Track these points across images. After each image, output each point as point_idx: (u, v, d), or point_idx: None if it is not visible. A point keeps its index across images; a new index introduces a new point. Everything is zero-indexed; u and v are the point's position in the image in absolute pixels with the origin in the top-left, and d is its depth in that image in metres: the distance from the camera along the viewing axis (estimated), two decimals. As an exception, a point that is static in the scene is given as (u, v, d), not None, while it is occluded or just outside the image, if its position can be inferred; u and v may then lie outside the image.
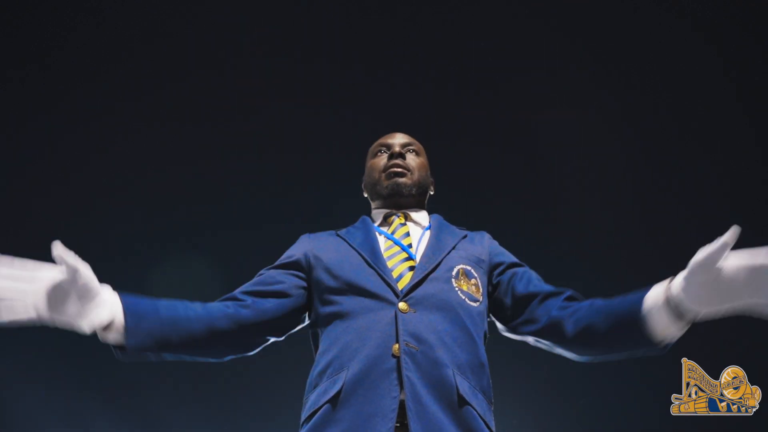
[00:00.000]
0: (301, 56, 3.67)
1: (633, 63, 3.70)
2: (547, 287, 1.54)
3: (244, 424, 3.51)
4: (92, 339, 3.54)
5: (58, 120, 3.53)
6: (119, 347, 1.28)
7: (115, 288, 1.30)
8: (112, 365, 3.39)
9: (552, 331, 1.46)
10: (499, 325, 1.63)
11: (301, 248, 1.63)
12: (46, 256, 1.15)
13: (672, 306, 1.22)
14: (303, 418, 1.41)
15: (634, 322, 1.26)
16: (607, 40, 3.69)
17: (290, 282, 1.56)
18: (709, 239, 1.20)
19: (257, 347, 1.54)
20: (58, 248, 1.12)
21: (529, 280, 1.56)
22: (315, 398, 1.39)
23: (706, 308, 1.18)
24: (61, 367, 3.41)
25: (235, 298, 1.50)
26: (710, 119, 3.55)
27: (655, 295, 1.26)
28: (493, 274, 1.61)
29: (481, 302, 1.54)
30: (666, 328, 1.24)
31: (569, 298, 1.49)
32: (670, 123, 3.65)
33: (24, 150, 3.52)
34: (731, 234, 1.14)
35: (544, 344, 1.52)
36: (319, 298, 1.53)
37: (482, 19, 3.74)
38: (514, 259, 1.65)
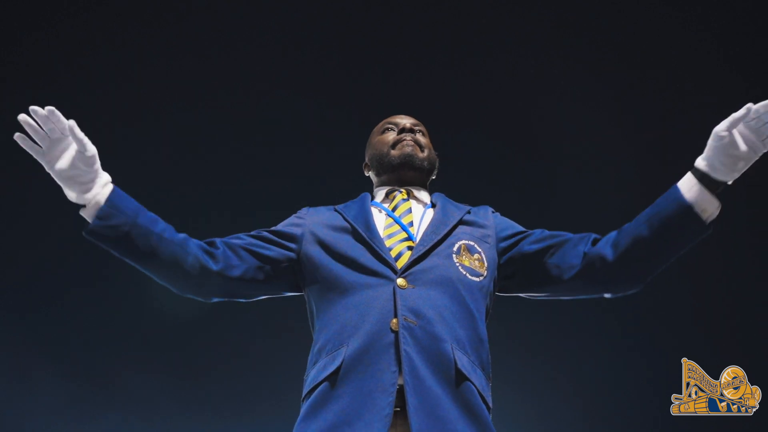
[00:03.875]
0: (297, 45, 3.67)
1: (637, 58, 3.70)
2: (567, 234, 1.55)
3: (194, 377, 3.50)
4: (39, 295, 3.49)
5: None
6: (87, 226, 1.37)
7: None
8: (59, 320, 3.40)
9: (592, 267, 1.47)
10: (527, 294, 1.61)
11: (300, 221, 1.61)
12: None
13: (704, 180, 1.36)
14: (304, 393, 1.41)
15: (678, 211, 1.37)
16: (611, 34, 3.69)
17: (277, 252, 1.55)
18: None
19: (214, 297, 1.54)
20: (73, 125, 1.30)
21: (542, 236, 1.56)
22: (315, 374, 1.39)
23: (728, 171, 1.34)
24: (6, 323, 3.39)
25: (213, 244, 1.51)
26: (715, 114, 3.54)
27: (686, 181, 1.40)
28: (502, 247, 1.59)
29: (485, 276, 1.51)
30: (707, 203, 1.35)
31: (595, 240, 1.52)
32: (674, 117, 3.65)
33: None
34: (750, 105, 1.29)
35: (584, 287, 1.52)
36: (316, 274, 1.51)
37: (485, 12, 3.74)
38: (520, 227, 1.63)
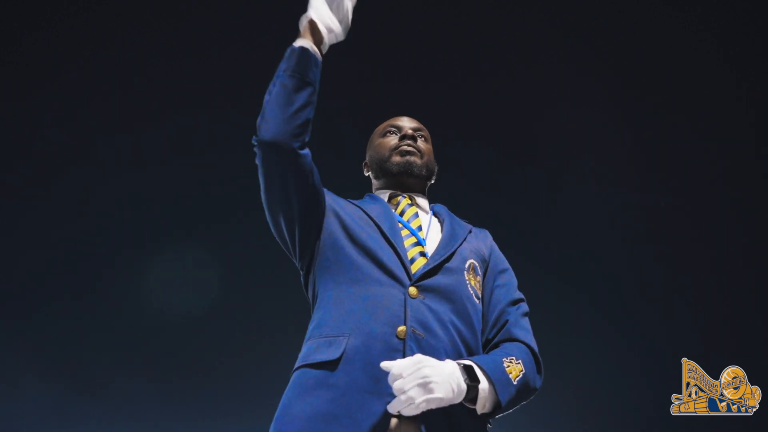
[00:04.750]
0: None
1: (636, 62, 3.71)
2: (508, 326, 1.52)
3: (176, 378, 3.48)
4: (26, 299, 3.40)
5: (53, 114, 3.53)
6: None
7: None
8: (42, 317, 3.39)
9: None
10: None
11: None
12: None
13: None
14: (297, 365, 1.41)
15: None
16: (611, 39, 3.69)
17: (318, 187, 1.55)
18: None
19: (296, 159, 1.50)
20: None
21: (495, 317, 1.53)
22: (307, 351, 1.39)
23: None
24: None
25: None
26: (714, 118, 3.55)
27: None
28: (486, 277, 1.58)
29: (481, 300, 1.53)
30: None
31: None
32: (673, 123, 3.65)
33: (22, 144, 3.53)
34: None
35: None
36: (330, 252, 1.50)
37: (486, 15, 3.74)
38: (506, 266, 1.62)
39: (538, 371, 1.46)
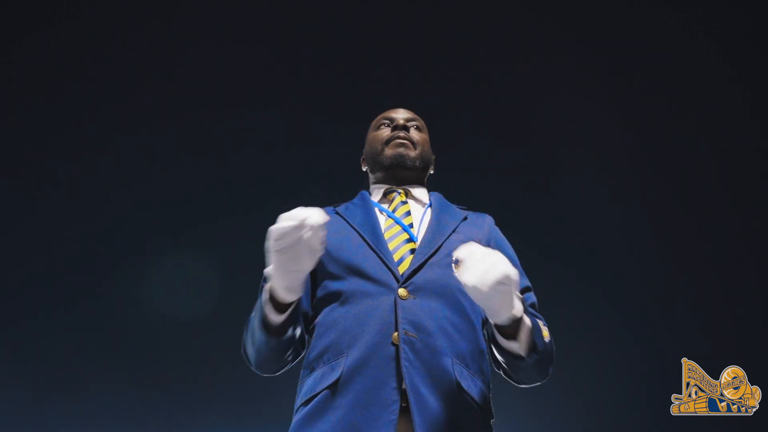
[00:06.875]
0: (292, 48, 3.67)
1: (635, 55, 3.71)
2: None
3: (156, 377, 3.47)
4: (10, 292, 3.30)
5: (54, 119, 3.53)
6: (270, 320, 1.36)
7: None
8: (12, 314, 3.36)
9: (499, 367, 1.49)
10: None
11: None
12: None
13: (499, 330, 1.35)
14: (299, 403, 1.37)
15: (504, 358, 1.41)
16: (609, 30, 3.70)
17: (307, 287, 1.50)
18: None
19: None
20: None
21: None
22: (312, 383, 1.36)
23: (495, 313, 1.29)
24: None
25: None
26: (713, 111, 3.55)
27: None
28: None
29: None
30: (512, 346, 1.35)
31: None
32: (672, 115, 3.66)
33: (22, 149, 3.53)
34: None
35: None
36: (317, 279, 1.49)
37: (484, 9, 3.75)
38: (507, 253, 1.55)
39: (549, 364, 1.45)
